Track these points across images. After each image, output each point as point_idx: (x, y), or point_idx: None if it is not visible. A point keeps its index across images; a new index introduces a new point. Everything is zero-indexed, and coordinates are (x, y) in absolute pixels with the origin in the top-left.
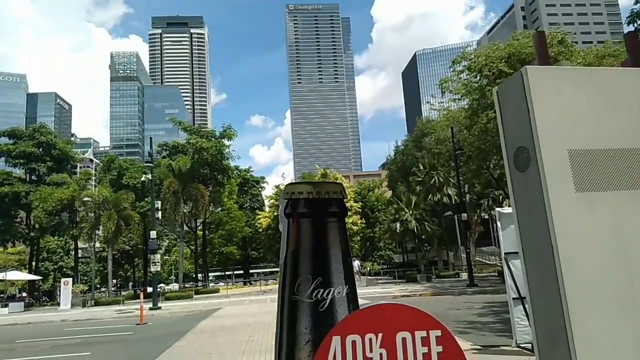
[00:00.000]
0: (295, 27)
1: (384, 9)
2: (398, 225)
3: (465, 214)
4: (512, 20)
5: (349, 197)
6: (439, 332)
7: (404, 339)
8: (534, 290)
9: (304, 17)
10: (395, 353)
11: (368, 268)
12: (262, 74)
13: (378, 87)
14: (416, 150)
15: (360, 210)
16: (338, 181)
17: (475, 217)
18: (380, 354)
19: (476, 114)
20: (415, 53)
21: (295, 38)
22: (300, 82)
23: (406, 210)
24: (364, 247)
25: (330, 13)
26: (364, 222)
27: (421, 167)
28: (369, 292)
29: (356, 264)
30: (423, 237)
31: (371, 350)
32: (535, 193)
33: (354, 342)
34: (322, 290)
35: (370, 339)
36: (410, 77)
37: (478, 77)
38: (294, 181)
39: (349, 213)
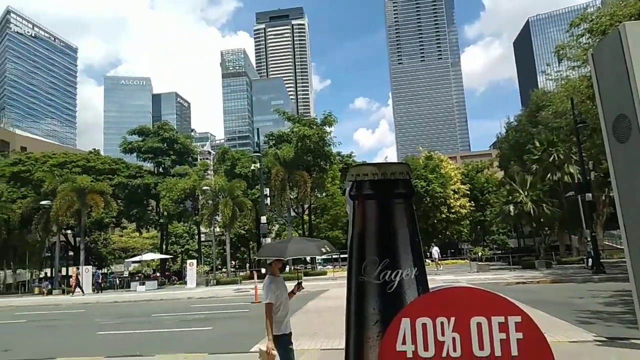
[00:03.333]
0: (394, 6)
1: None
2: (512, 207)
3: (590, 194)
4: None
5: (455, 179)
6: (518, 318)
7: (478, 324)
8: (638, 269)
9: None
10: (469, 338)
11: (479, 253)
12: (364, 57)
13: (491, 57)
14: (531, 126)
15: (468, 192)
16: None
17: (603, 197)
18: (453, 338)
19: None
20: (528, 20)
21: (395, 17)
22: (401, 63)
23: (521, 192)
24: (474, 232)
25: None
26: (473, 205)
27: (537, 144)
28: (479, 279)
29: (435, 250)
30: (541, 220)
31: (443, 334)
32: (635, 165)
33: (424, 325)
34: (389, 271)
35: (442, 323)
36: (524, 46)
37: None
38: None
39: (457, 195)
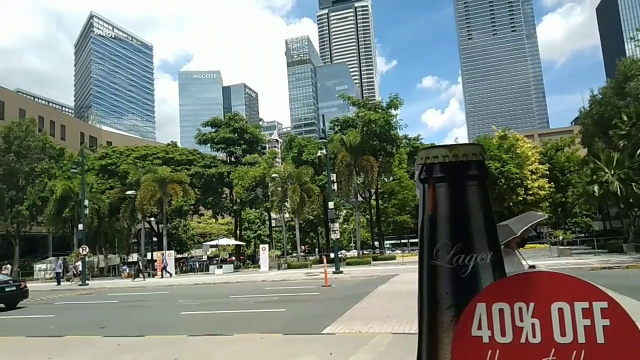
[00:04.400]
0: None
1: None
2: (596, 187)
3: None
4: None
5: (533, 159)
6: (605, 304)
7: (560, 310)
8: None
9: None
10: (550, 324)
11: (561, 237)
12: (431, 34)
13: (572, 25)
14: (618, 99)
15: (547, 173)
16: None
17: None
18: (533, 324)
19: None
20: None
21: None
22: (471, 38)
23: (606, 170)
24: (554, 214)
25: None
26: (553, 185)
27: (625, 118)
28: (560, 264)
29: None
30: (630, 200)
31: (522, 320)
32: None
33: (501, 310)
34: (463, 256)
35: (521, 308)
36: (608, 11)
37: None
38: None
39: (534, 176)
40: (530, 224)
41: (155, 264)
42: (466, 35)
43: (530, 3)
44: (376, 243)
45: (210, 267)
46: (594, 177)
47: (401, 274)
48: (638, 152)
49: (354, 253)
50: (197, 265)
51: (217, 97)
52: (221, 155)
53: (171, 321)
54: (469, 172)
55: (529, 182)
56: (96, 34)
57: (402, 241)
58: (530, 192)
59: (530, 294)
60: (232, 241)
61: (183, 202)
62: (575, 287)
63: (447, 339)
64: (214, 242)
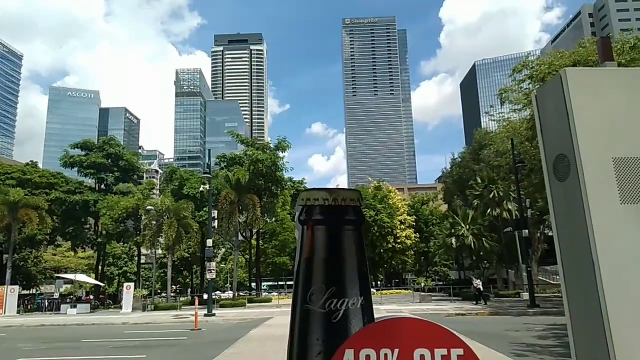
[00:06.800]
0: (351, 41)
1: (450, 12)
2: (454, 240)
3: (527, 230)
4: (579, 28)
5: (402, 210)
6: (461, 351)
7: (422, 356)
8: (575, 313)
9: (360, 31)
10: None
11: (422, 284)
12: (322, 85)
13: (444, 93)
14: (474, 163)
15: (414, 223)
16: (389, 192)
17: (538, 234)
18: None
19: None
20: (474, 63)
21: (351, 51)
22: (355, 95)
23: (462, 225)
24: (418, 262)
25: (387, 26)
26: (418, 236)
27: (479, 180)
28: (421, 309)
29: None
30: (481, 253)
31: None
32: (575, 205)
33: (367, 357)
34: (335, 300)
35: (386, 354)
36: (470, 87)
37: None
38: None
39: (403, 226)
40: None
41: None
42: (351, 92)
43: (407, 71)
44: (253, 284)
45: (63, 306)
46: (452, 230)
47: (276, 317)
48: (488, 210)
49: (229, 294)
50: (47, 304)
51: (92, 118)
52: (89, 181)
53: None
54: (347, 217)
55: (398, 231)
56: None
57: (280, 283)
58: (399, 241)
59: (395, 340)
60: (90, 279)
61: (37, 231)
62: (436, 334)
63: None
64: (69, 276)
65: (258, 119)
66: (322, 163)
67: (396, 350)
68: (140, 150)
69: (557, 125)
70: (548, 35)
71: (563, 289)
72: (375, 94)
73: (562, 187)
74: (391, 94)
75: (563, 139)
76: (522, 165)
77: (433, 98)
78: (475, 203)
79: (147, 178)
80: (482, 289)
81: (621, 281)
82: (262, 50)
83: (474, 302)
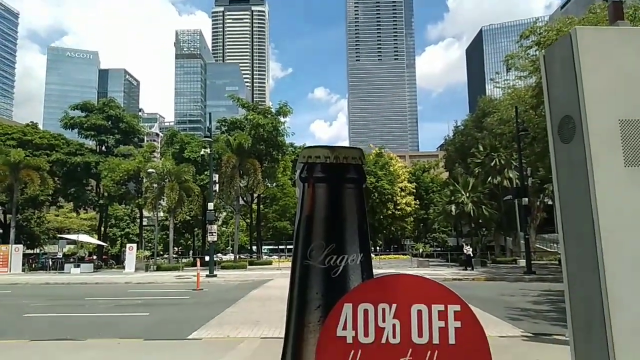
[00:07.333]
0: (355, 3)
1: None
2: (453, 207)
3: (527, 199)
4: None
5: (403, 177)
6: (458, 307)
7: (419, 312)
8: (572, 273)
9: None
10: (409, 325)
11: (420, 249)
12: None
13: (451, 59)
14: (476, 131)
15: (414, 191)
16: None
17: (538, 203)
18: (393, 325)
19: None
20: (481, 29)
21: (355, 14)
22: (358, 60)
23: (462, 193)
24: (417, 229)
25: None
26: (418, 203)
27: (481, 149)
28: (419, 273)
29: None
30: (480, 221)
31: (384, 321)
32: (579, 166)
33: (366, 311)
34: (335, 257)
35: (384, 309)
36: (475, 54)
37: None
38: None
39: (403, 193)
40: None
41: None
42: (355, 56)
43: (412, 36)
44: (254, 247)
45: (66, 265)
46: (453, 197)
47: (276, 279)
48: (489, 179)
49: (230, 257)
50: (50, 263)
51: (91, 79)
52: (90, 143)
53: (11, 325)
54: (348, 175)
55: (398, 198)
56: None
57: (280, 247)
58: (399, 208)
59: (393, 296)
60: (93, 240)
61: (39, 192)
62: (434, 291)
63: (313, 339)
64: (72, 236)
65: (259, 83)
66: (324, 129)
67: (394, 306)
68: (140, 113)
69: (564, 87)
70: (559, 0)
71: (562, 251)
72: (379, 59)
73: (567, 149)
74: (395, 59)
75: (570, 100)
76: (525, 134)
77: (438, 64)
78: (477, 171)
79: (148, 141)
80: (472, 255)
81: (620, 241)
82: (263, 11)
83: (464, 268)
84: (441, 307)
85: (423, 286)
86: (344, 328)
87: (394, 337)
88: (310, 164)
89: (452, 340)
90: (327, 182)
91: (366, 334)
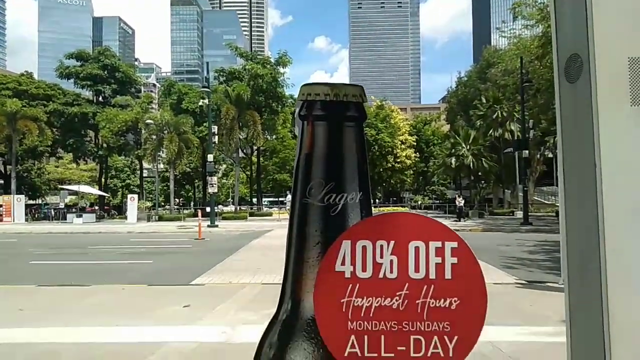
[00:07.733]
0: None
1: None
2: (453, 160)
3: (527, 151)
4: None
5: (404, 130)
6: (455, 244)
7: (416, 248)
8: (570, 217)
9: None
10: (406, 261)
11: (419, 202)
12: None
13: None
14: (480, 82)
15: (414, 143)
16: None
17: (538, 156)
18: (391, 261)
19: (551, 42)
20: None
21: None
22: (360, 7)
23: (463, 145)
24: (416, 181)
25: None
26: (418, 156)
27: (484, 100)
28: None
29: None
30: (479, 173)
31: (382, 257)
32: (583, 106)
33: (364, 247)
34: (334, 195)
35: (382, 246)
36: (482, 1)
37: None
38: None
39: (403, 146)
40: None
41: (1, 208)
42: (357, 4)
43: None
44: (254, 199)
45: (69, 215)
46: (453, 150)
47: (276, 229)
48: (490, 131)
49: (231, 209)
50: (53, 213)
51: (85, 27)
52: (86, 93)
53: (18, 271)
54: (349, 113)
55: (398, 150)
56: None
57: (280, 199)
58: (399, 160)
59: (391, 233)
60: (94, 190)
61: (38, 142)
62: (431, 228)
63: (312, 274)
64: (73, 188)
65: (258, 31)
66: (324, 80)
67: (392, 242)
68: (136, 63)
69: (573, 23)
70: None
71: (561, 197)
72: (382, 6)
73: (572, 89)
74: (399, 6)
75: (578, 36)
76: (530, 85)
77: (445, 13)
78: (478, 124)
79: (145, 91)
80: (463, 207)
81: (621, 184)
82: None
83: (457, 219)
84: (438, 243)
85: (421, 224)
86: (343, 264)
87: (391, 272)
88: (309, 101)
89: (448, 276)
90: (326, 120)
91: (364, 269)
